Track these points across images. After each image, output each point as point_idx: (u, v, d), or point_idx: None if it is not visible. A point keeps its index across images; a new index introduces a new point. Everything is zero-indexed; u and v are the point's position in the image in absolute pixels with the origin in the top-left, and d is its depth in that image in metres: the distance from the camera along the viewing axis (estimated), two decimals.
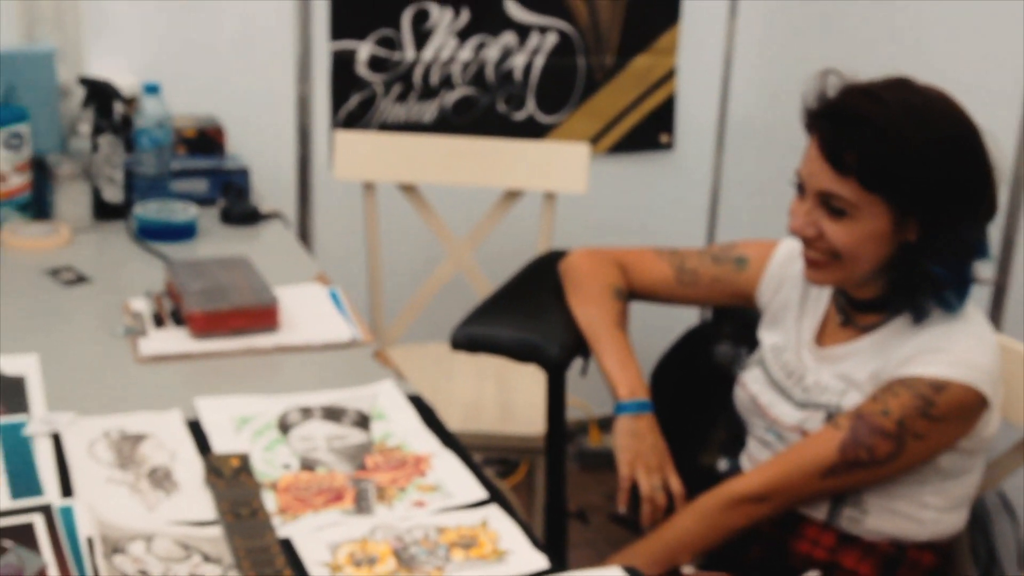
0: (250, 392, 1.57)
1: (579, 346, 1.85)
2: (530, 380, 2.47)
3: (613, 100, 3.09)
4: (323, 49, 2.82)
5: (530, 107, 3.02)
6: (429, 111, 2.94)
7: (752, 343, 1.87)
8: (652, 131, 3.18)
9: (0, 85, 2.16)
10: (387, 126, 2.90)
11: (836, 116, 1.54)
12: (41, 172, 2.21)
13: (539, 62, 2.99)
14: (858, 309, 1.65)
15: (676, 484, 1.71)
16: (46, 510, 1.25)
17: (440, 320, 2.46)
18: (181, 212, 2.21)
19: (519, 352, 1.82)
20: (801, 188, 1.59)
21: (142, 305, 1.84)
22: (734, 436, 1.93)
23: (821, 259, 1.59)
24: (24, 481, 1.32)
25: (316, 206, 2.92)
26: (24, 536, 1.19)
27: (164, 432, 1.45)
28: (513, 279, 2.04)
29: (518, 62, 2.97)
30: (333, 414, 1.53)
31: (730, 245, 1.86)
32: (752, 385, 1.77)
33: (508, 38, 2.94)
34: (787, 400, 1.69)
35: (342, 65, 2.83)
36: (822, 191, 1.54)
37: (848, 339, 1.66)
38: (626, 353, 1.79)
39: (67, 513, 1.24)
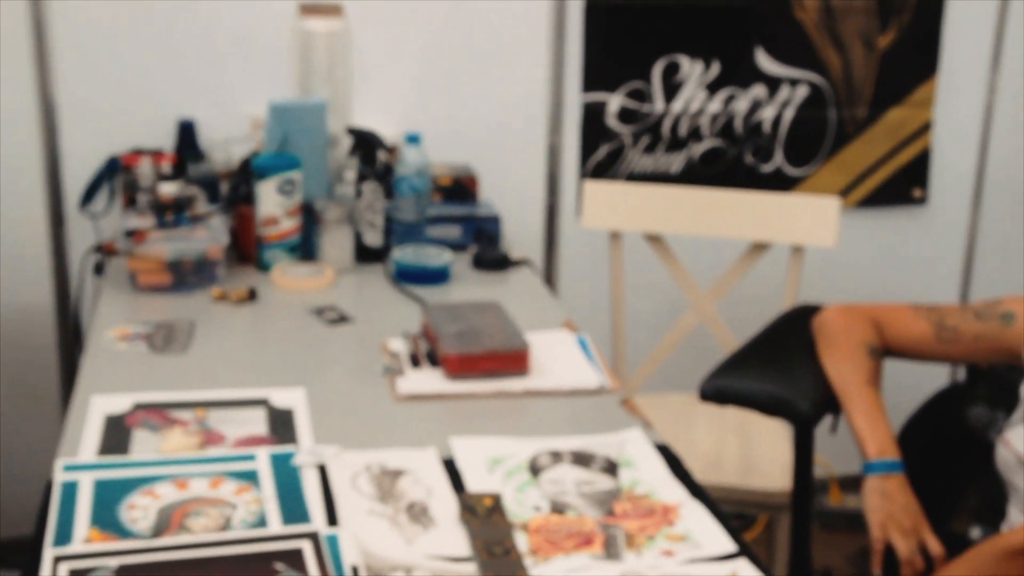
0: (501, 433, 1.62)
1: (829, 403, 1.82)
2: (772, 434, 2.44)
3: (864, 153, 3.04)
4: (574, 101, 2.88)
5: (778, 159, 3.00)
6: (676, 162, 2.96)
7: (1010, 406, 1.80)
8: (905, 185, 3.10)
9: (277, 134, 2.30)
10: (634, 176, 2.94)
11: None
12: (309, 216, 2.33)
13: (788, 115, 2.97)
14: None
15: (936, 545, 1.66)
16: (314, 537, 1.31)
17: (681, 371, 2.47)
18: (436, 257, 2.29)
19: (769, 406, 1.80)
20: None
21: (399, 345, 1.91)
22: (989, 503, 1.86)
23: None
24: (294, 508, 1.39)
25: (563, 254, 2.98)
26: (294, 560, 1.26)
27: (421, 469, 1.51)
28: (763, 333, 2.03)
29: (767, 114, 2.96)
30: (582, 459, 1.55)
31: (994, 301, 1.81)
32: (1018, 443, 1.70)
33: (758, 91, 2.94)
34: None
35: (592, 116, 2.89)
36: None
37: None
38: (877, 411, 1.76)
39: (332, 541, 1.31)
